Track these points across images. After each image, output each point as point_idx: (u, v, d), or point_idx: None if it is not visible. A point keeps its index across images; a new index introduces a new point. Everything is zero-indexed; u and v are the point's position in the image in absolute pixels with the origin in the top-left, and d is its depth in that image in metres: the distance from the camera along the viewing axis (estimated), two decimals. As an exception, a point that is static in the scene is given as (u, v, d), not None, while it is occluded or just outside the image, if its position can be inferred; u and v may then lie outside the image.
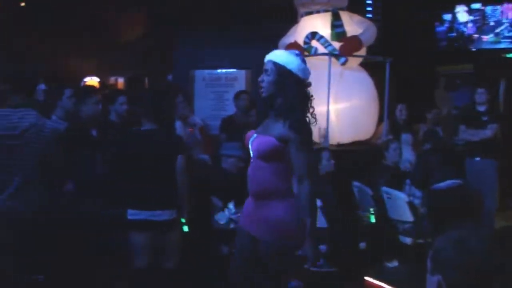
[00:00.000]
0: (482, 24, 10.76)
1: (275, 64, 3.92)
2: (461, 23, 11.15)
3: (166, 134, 5.17)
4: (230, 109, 8.79)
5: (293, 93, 3.85)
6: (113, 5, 12.75)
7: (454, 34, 11.22)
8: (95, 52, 14.43)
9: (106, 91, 9.91)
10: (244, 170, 6.50)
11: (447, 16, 11.38)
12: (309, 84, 4.00)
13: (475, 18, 10.90)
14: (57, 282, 4.83)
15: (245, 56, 9.33)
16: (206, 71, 9.76)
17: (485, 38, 10.79)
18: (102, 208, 5.00)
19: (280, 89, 3.89)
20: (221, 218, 5.92)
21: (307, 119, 3.91)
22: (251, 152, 4.04)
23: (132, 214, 4.90)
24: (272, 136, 3.85)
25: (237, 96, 8.29)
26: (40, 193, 4.43)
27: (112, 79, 15.11)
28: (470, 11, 10.99)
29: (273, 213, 3.84)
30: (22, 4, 13.52)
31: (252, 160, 4.04)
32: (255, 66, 9.31)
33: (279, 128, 3.85)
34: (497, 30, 10.62)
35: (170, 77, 10.48)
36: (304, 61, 3.98)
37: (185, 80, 9.66)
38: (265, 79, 3.95)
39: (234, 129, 7.80)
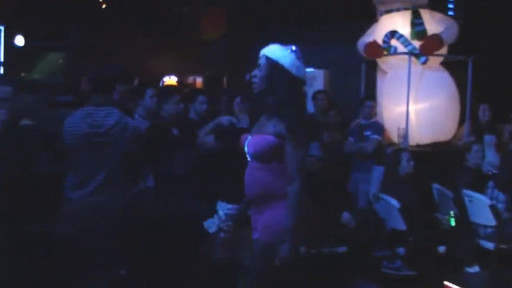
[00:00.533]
0: None
1: (267, 59, 3.70)
2: None
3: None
4: (309, 108, 8.76)
5: (284, 90, 3.62)
6: (193, 5, 12.92)
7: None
8: (174, 51, 14.67)
9: (185, 90, 10.05)
10: (323, 170, 6.53)
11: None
12: (304, 82, 3.79)
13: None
14: (140, 277, 4.93)
15: (324, 55, 9.30)
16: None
17: None
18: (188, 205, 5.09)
19: (271, 85, 3.68)
20: (211, 226, 5.66)
21: (302, 118, 3.69)
22: (247, 155, 3.77)
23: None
24: (268, 134, 3.64)
25: (315, 96, 8.28)
26: (123, 189, 4.53)
27: (190, 79, 15.30)
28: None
29: (276, 216, 3.58)
30: (104, 6, 13.86)
31: (249, 163, 3.77)
32: (334, 65, 9.35)
33: (273, 125, 3.62)
34: None
35: (248, 76, 10.54)
36: (299, 58, 3.74)
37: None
38: (257, 74, 3.72)
39: (311, 129, 7.78)
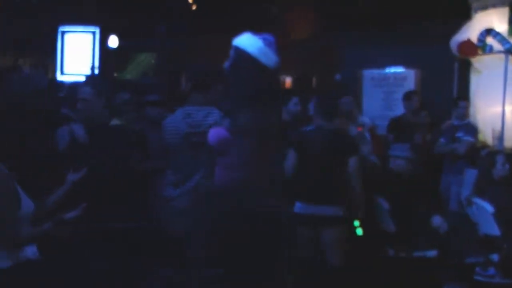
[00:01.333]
0: None
1: (235, 48, 3.56)
2: None
3: (336, 134, 5.30)
4: (399, 109, 8.62)
5: (248, 79, 3.46)
6: (282, 4, 12.92)
7: None
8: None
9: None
10: (412, 171, 6.39)
11: None
12: (275, 72, 3.59)
13: None
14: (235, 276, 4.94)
15: (415, 54, 9.13)
16: (375, 70, 9.65)
17: None
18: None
19: (235, 74, 3.52)
20: None
21: (264, 112, 3.43)
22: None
23: (299, 207, 4.99)
24: (224, 127, 3.59)
25: (408, 96, 8.12)
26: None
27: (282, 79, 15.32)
28: None
29: None
30: (194, 7, 14.05)
31: None
32: (426, 65, 9.15)
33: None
34: None
35: (338, 76, 10.47)
36: (270, 45, 3.55)
37: (353, 79, 9.61)
38: (226, 65, 3.57)
39: (402, 129, 7.65)
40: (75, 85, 5.80)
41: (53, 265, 3.75)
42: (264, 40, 3.55)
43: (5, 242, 3.46)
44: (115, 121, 5.12)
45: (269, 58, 3.53)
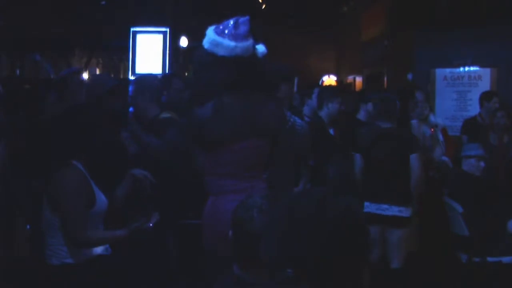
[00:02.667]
0: None
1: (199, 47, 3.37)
2: None
3: (399, 132, 5.34)
4: (473, 110, 8.40)
5: (199, 73, 3.31)
6: (354, 4, 12.81)
7: None
8: (333, 50, 14.62)
9: (345, 90, 10.00)
10: (485, 171, 6.20)
11: None
12: (240, 59, 3.26)
13: None
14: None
15: (491, 53, 8.88)
16: (448, 69, 9.43)
17: None
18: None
19: (197, 73, 3.40)
20: None
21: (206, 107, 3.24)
22: None
23: (367, 207, 4.97)
24: None
25: (487, 97, 7.85)
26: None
27: (350, 78, 15.19)
28: None
29: None
30: (264, 6, 14.07)
31: None
32: (503, 63, 8.88)
33: None
34: None
35: (410, 76, 10.29)
36: (224, 34, 3.27)
37: (426, 79, 9.42)
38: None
39: (477, 131, 7.44)
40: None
41: (123, 260, 3.79)
42: (216, 29, 3.34)
43: (76, 240, 3.51)
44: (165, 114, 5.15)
45: (224, 47, 3.27)
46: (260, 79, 3.37)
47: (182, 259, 4.66)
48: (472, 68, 9.33)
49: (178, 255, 4.65)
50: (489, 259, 5.75)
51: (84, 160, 3.64)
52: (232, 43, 3.26)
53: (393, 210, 5.09)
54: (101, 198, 3.65)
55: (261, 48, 3.43)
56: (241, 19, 3.36)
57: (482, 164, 6.17)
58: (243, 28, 3.31)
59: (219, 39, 3.27)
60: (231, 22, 3.33)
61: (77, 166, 3.58)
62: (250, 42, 3.33)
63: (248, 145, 3.31)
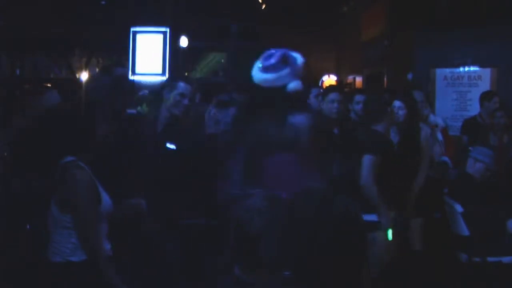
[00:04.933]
0: None
1: None
2: None
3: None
4: (472, 109, 8.40)
5: None
6: (353, 4, 12.82)
7: None
8: (333, 50, 14.62)
9: (344, 90, 9.99)
10: (489, 178, 6.20)
11: None
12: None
13: None
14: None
15: (491, 53, 8.89)
16: (448, 69, 9.44)
17: None
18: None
19: None
20: None
21: None
22: None
23: None
24: None
25: (487, 97, 7.85)
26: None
27: (350, 78, 15.20)
28: None
29: None
30: (263, 6, 14.08)
31: None
32: (503, 64, 8.88)
33: None
34: None
35: (410, 75, 10.30)
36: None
37: (426, 79, 9.43)
38: None
39: (477, 131, 7.45)
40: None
41: (125, 260, 3.81)
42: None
43: (88, 239, 3.55)
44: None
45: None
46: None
47: (185, 259, 4.68)
48: (472, 68, 9.33)
49: (180, 256, 4.66)
50: (489, 259, 5.74)
51: (87, 160, 3.66)
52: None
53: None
54: (106, 199, 3.69)
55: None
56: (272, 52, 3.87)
57: (486, 172, 6.15)
58: (272, 60, 3.81)
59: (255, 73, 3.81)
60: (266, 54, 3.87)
61: (84, 167, 3.61)
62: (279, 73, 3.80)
63: None
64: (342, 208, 4.74)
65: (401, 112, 5.92)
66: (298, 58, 3.92)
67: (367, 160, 5.04)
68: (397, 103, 5.93)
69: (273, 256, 2.75)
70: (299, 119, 4.67)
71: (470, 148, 6.67)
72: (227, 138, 4.94)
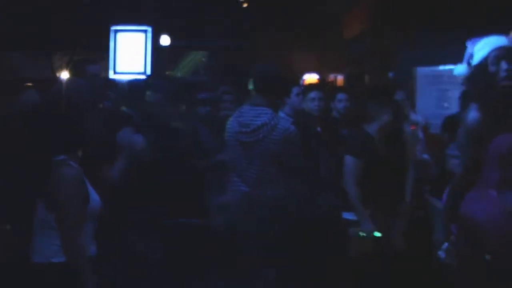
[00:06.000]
0: None
1: None
2: None
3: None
4: (453, 108, 8.43)
5: None
6: (336, 3, 12.82)
7: None
8: (315, 49, 14.61)
9: (325, 88, 10.00)
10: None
11: None
12: None
13: None
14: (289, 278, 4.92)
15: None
16: (429, 68, 9.47)
17: None
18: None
19: None
20: None
21: None
22: None
23: None
24: None
25: (467, 95, 7.93)
26: (275, 189, 4.53)
27: (331, 76, 15.19)
28: None
29: None
30: (245, 4, 14.05)
31: None
32: (482, 62, 8.92)
33: None
34: None
35: (391, 74, 10.33)
36: None
37: (407, 77, 9.45)
38: None
39: (457, 128, 7.47)
40: (134, 84, 5.88)
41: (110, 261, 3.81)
42: None
43: (72, 240, 3.51)
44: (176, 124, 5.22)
45: None
46: None
47: (170, 258, 4.68)
48: (452, 67, 9.35)
49: (164, 255, 4.66)
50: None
51: (77, 158, 3.65)
52: None
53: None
54: (95, 197, 3.66)
55: None
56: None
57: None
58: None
59: None
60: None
61: (74, 165, 3.59)
62: None
63: None
64: (325, 207, 4.77)
65: (342, 105, 6.01)
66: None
67: (348, 160, 5.07)
68: (339, 96, 6.05)
69: (255, 255, 2.74)
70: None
71: (450, 145, 6.70)
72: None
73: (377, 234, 5.04)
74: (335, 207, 5.01)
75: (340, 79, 14.58)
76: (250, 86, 4.65)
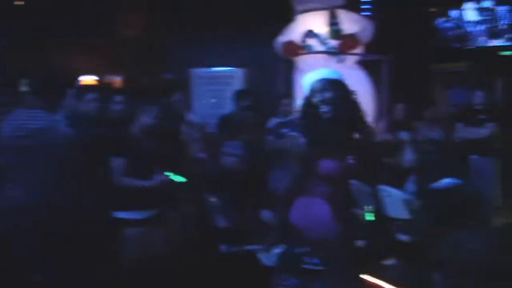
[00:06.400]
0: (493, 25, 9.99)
1: None
2: (466, 22, 10.53)
3: None
4: (228, 107, 8.78)
5: None
6: (110, 3, 12.70)
7: (455, 32, 10.72)
8: (92, 49, 14.37)
9: (103, 89, 9.89)
10: (243, 168, 6.56)
11: (452, 13, 10.80)
12: None
13: (483, 17, 10.17)
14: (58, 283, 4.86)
15: (243, 54, 9.32)
16: (204, 69, 9.75)
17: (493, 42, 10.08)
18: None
19: None
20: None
21: None
22: None
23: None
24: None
25: (240, 95, 8.31)
26: (54, 193, 4.47)
27: (109, 78, 15.05)
28: (479, 10, 10.34)
29: None
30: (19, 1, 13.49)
31: None
32: (253, 64, 9.40)
33: None
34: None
35: (168, 75, 10.48)
36: None
37: (183, 78, 9.65)
38: None
39: (231, 128, 7.80)
40: None
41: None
42: None
43: None
44: None
45: None
46: None
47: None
48: (226, 69, 9.73)
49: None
50: (247, 247, 6.09)
51: None
52: None
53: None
54: None
55: None
56: None
57: (239, 160, 6.51)
58: None
59: None
60: None
61: None
62: None
63: None
64: (99, 208, 4.79)
65: (119, 107, 6.10)
66: None
67: (115, 160, 5.08)
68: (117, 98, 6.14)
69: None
70: None
71: (224, 143, 7.00)
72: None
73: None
74: (106, 208, 5.04)
75: (117, 80, 14.49)
76: (24, 88, 4.56)
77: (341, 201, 4.24)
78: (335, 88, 4.10)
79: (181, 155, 5.76)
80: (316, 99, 4.08)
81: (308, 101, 4.08)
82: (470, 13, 10.04)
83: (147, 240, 5.07)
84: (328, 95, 4.05)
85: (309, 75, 4.17)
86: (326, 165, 4.08)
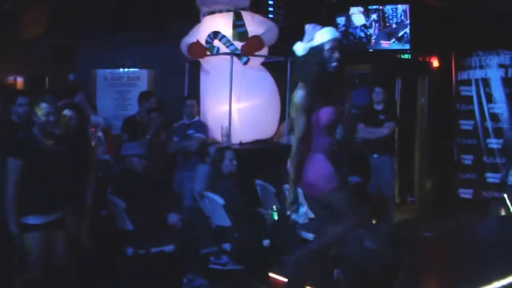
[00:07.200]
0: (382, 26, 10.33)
1: None
2: (357, 27, 10.82)
3: None
4: (133, 109, 8.73)
5: None
6: (13, 2, 12.38)
7: (351, 37, 10.94)
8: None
9: (3, 91, 9.65)
10: (147, 169, 6.56)
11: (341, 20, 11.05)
12: None
13: (373, 20, 10.45)
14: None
15: (148, 55, 9.28)
16: (108, 70, 9.63)
17: (386, 43, 10.39)
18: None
19: None
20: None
21: None
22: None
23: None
24: None
25: (144, 96, 8.28)
26: None
27: (11, 79, 14.66)
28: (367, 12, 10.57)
29: None
30: None
31: None
32: (158, 65, 9.37)
33: None
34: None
35: (72, 76, 10.29)
36: None
37: (87, 79, 9.51)
38: None
39: (136, 129, 7.78)
40: None
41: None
42: None
43: None
44: None
45: None
46: None
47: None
48: (131, 69, 9.64)
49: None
50: (153, 249, 6.09)
51: None
52: None
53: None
54: None
55: None
56: None
57: (143, 162, 6.52)
58: None
59: None
60: None
61: None
62: None
63: None
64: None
65: (23, 109, 5.98)
66: None
67: (10, 162, 4.93)
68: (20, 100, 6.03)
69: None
70: None
71: (124, 145, 6.98)
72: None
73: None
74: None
75: (20, 81, 14.12)
76: None
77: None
78: (341, 47, 4.54)
79: (87, 156, 5.67)
80: (328, 55, 4.43)
81: (319, 53, 4.41)
82: (357, 17, 10.40)
83: (49, 244, 4.97)
84: (337, 53, 4.45)
85: (325, 30, 4.49)
86: (328, 112, 4.44)
